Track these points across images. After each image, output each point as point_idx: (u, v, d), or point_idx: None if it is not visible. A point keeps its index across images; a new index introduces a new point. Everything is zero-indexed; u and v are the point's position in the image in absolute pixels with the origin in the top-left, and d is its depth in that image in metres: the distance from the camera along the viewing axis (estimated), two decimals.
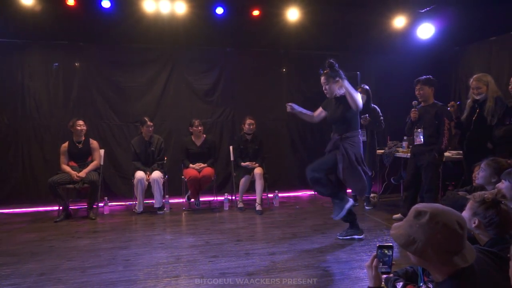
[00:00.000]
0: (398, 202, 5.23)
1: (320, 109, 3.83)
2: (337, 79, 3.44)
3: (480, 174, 2.76)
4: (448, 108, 3.96)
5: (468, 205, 1.81)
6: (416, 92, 4.16)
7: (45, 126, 5.40)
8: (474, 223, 1.76)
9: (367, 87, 5.04)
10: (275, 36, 5.73)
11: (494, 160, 2.72)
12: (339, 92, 3.53)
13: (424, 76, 4.14)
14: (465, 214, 1.80)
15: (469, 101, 3.92)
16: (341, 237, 3.73)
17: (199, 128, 5.18)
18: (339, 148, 3.48)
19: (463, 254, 1.27)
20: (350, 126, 3.52)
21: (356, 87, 5.11)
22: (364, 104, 4.94)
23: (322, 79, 3.54)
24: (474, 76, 3.82)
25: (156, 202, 4.90)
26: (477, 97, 3.78)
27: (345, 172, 3.44)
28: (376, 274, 1.46)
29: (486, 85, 3.73)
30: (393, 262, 1.48)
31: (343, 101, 3.49)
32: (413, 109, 4.18)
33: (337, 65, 3.52)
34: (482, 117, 3.73)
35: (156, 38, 5.50)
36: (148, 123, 5.01)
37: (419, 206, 1.36)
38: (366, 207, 5.12)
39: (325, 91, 3.59)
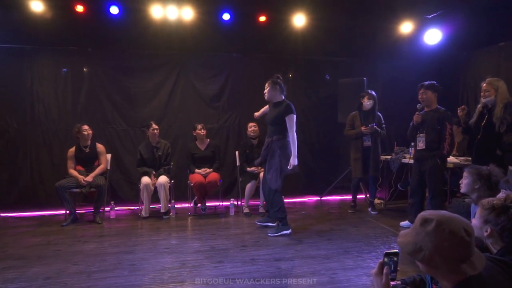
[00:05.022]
0: (405, 209, 5.18)
1: (267, 107, 4.43)
2: (277, 87, 4.12)
3: (463, 182, 2.76)
4: (458, 111, 3.93)
5: (477, 213, 1.76)
6: (420, 97, 4.17)
7: (53, 130, 5.45)
8: (486, 231, 1.70)
9: (374, 93, 5.02)
10: (281, 41, 5.74)
11: (474, 167, 2.76)
12: (277, 98, 4.14)
13: (428, 82, 4.15)
14: (476, 222, 1.75)
15: (479, 106, 3.87)
16: (272, 235, 4.04)
17: (202, 131, 5.21)
18: (270, 148, 4.12)
19: (472, 262, 1.24)
20: (279, 130, 4.07)
21: (362, 93, 5.14)
22: (371, 110, 4.96)
23: (266, 84, 4.17)
24: (487, 79, 3.77)
25: (162, 206, 4.90)
26: (484, 100, 3.74)
27: (269, 165, 4.11)
28: (386, 281, 1.42)
29: (495, 90, 3.67)
30: (398, 269, 1.46)
31: (278, 107, 4.10)
32: (417, 113, 4.17)
33: (282, 85, 4.16)
34: (491, 123, 3.68)
35: (163, 44, 5.55)
36: (153, 125, 5.05)
37: (425, 213, 1.34)
38: (372, 212, 5.11)
39: (265, 94, 4.20)
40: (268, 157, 4.15)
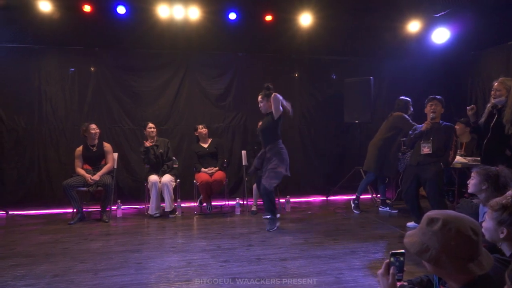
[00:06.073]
0: None
1: None
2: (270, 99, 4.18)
3: (470, 182, 2.74)
4: (467, 110, 3.91)
5: (488, 216, 1.71)
6: (432, 107, 4.19)
7: (60, 129, 5.50)
8: (502, 233, 1.63)
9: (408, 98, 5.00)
10: (287, 41, 5.73)
11: (483, 168, 2.73)
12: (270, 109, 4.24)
13: (439, 96, 4.21)
14: (488, 225, 1.69)
15: (488, 105, 3.81)
16: (271, 230, 4.24)
17: (204, 130, 5.24)
18: (266, 156, 4.27)
19: (479, 261, 1.23)
20: (271, 138, 4.24)
21: (370, 93, 5.11)
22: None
23: (259, 97, 4.30)
24: (500, 78, 3.70)
25: (166, 206, 4.91)
26: (494, 100, 3.68)
27: (265, 169, 4.24)
28: (393, 281, 1.41)
29: (507, 90, 3.58)
30: (404, 269, 1.45)
31: (269, 114, 4.25)
32: (428, 121, 4.18)
33: (272, 88, 4.27)
34: (500, 123, 3.62)
35: (169, 43, 5.57)
36: (149, 124, 5.08)
37: (431, 213, 1.34)
38: (382, 208, 5.21)
39: (260, 107, 4.34)
40: (265, 164, 4.29)
